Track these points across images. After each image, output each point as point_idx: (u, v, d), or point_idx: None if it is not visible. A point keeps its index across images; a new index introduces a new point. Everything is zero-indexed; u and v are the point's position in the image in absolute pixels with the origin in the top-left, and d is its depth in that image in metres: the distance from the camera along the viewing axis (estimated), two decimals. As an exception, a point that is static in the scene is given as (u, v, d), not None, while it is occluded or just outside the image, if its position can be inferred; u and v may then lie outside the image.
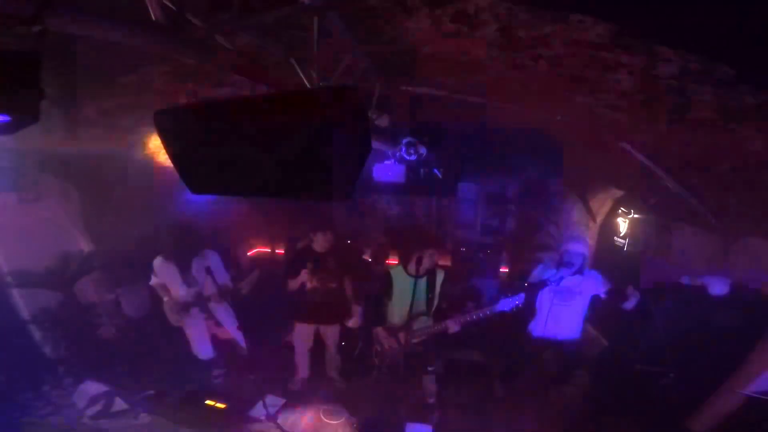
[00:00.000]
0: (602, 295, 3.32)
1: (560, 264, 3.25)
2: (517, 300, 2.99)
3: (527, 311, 3.44)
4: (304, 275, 3.44)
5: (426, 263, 3.02)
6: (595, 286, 3.32)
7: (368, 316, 3.58)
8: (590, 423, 3.55)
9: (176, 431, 3.17)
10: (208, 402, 3.26)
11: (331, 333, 3.79)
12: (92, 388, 3.45)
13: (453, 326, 2.99)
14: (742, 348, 3.03)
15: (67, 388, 3.56)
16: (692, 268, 3.45)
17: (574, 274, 3.16)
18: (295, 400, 3.75)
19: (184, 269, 3.41)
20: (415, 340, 3.14)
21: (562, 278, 3.22)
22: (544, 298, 3.24)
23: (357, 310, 3.71)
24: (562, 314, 3.32)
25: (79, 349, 3.89)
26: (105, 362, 3.94)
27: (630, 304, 3.12)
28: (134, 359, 4.14)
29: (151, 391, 3.55)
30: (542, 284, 3.17)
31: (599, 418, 3.50)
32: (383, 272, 3.40)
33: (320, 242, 3.45)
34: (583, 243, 3.29)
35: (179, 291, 3.44)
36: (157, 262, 3.43)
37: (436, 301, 3.14)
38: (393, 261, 5.92)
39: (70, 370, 3.72)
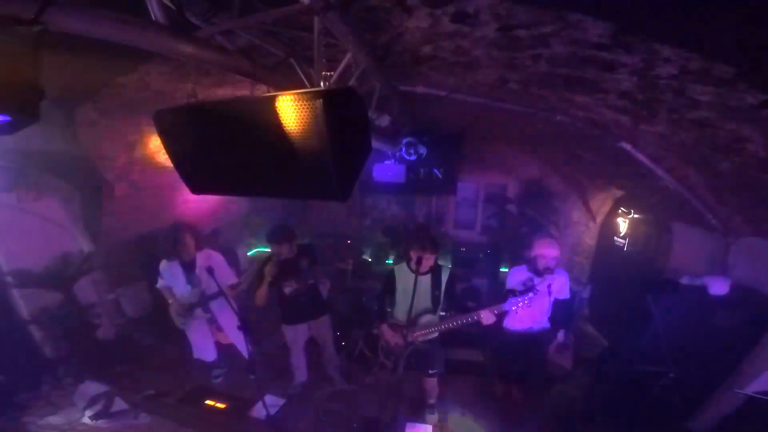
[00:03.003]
0: (566, 297, 3.41)
1: (535, 270, 3.29)
2: (523, 300, 3.00)
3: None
4: (284, 284, 3.41)
5: (425, 264, 3.03)
6: (562, 284, 3.38)
7: (371, 313, 3.58)
8: (590, 423, 3.56)
9: (176, 431, 3.17)
10: (208, 402, 3.26)
11: (324, 329, 3.77)
12: (92, 388, 3.45)
13: (487, 317, 3.00)
14: (742, 348, 3.03)
15: (67, 388, 3.56)
16: (692, 268, 3.45)
17: (544, 275, 3.20)
18: (296, 399, 3.76)
19: (188, 269, 3.41)
20: (419, 336, 3.15)
21: (532, 280, 3.27)
22: (514, 298, 3.27)
23: (326, 282, 3.70)
24: (532, 311, 3.33)
25: (79, 349, 3.89)
26: (105, 362, 3.94)
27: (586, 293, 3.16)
28: (134, 359, 4.15)
29: (151, 391, 3.55)
30: (517, 290, 3.21)
31: (599, 418, 3.50)
32: (387, 270, 3.39)
33: (282, 252, 3.38)
34: (554, 245, 3.31)
35: (182, 291, 3.45)
36: (163, 264, 3.44)
37: (442, 299, 3.14)
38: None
39: (70, 370, 3.72)
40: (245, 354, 3.63)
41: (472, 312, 3.06)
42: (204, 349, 3.71)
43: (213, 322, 3.65)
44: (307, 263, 3.46)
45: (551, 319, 3.47)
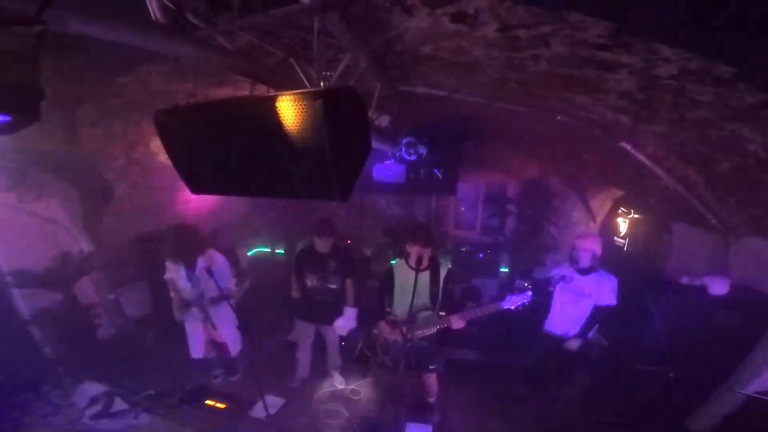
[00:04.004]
0: (609, 303, 3.23)
1: (570, 258, 3.25)
2: (524, 299, 2.96)
3: (540, 309, 3.44)
4: (307, 275, 3.46)
5: (425, 261, 3.02)
6: (608, 294, 3.21)
7: (370, 312, 3.58)
8: (590, 423, 3.56)
9: (176, 431, 3.17)
10: (208, 402, 3.26)
11: (331, 331, 3.80)
12: (92, 388, 3.45)
13: (456, 322, 2.98)
14: (742, 348, 3.03)
15: (67, 388, 3.55)
16: (692, 268, 3.45)
17: (587, 273, 3.12)
18: (296, 399, 3.76)
19: (189, 268, 3.41)
20: (418, 332, 3.14)
21: (568, 275, 3.20)
22: (557, 296, 3.23)
23: (351, 313, 3.66)
24: (571, 313, 3.32)
25: (79, 349, 3.88)
26: (105, 362, 3.94)
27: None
28: (134, 359, 4.14)
29: (151, 391, 3.55)
30: (548, 281, 3.15)
31: (599, 418, 3.50)
32: (386, 267, 3.38)
33: (321, 245, 3.49)
34: (593, 240, 3.25)
35: (183, 287, 3.45)
36: (168, 260, 3.44)
37: (440, 296, 3.13)
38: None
39: (70, 370, 3.72)
40: (233, 354, 3.65)
41: (443, 319, 3.06)
42: (192, 346, 3.69)
43: (207, 321, 3.64)
44: (335, 266, 3.51)
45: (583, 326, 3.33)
